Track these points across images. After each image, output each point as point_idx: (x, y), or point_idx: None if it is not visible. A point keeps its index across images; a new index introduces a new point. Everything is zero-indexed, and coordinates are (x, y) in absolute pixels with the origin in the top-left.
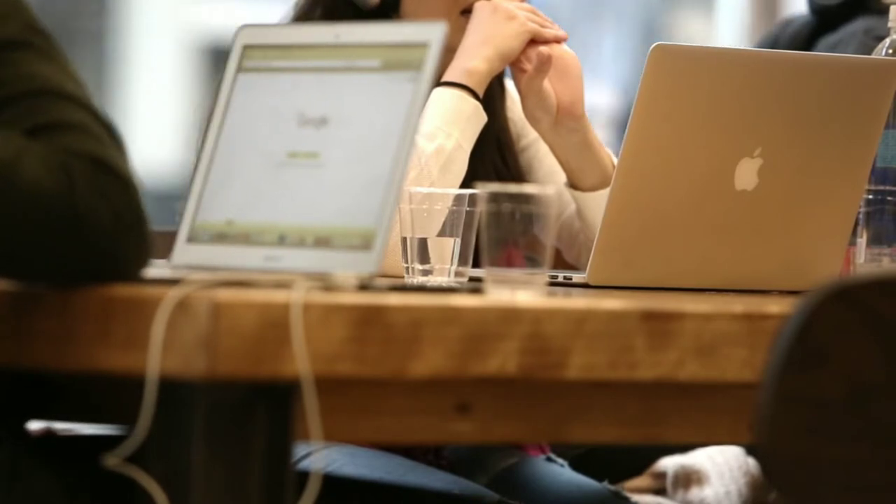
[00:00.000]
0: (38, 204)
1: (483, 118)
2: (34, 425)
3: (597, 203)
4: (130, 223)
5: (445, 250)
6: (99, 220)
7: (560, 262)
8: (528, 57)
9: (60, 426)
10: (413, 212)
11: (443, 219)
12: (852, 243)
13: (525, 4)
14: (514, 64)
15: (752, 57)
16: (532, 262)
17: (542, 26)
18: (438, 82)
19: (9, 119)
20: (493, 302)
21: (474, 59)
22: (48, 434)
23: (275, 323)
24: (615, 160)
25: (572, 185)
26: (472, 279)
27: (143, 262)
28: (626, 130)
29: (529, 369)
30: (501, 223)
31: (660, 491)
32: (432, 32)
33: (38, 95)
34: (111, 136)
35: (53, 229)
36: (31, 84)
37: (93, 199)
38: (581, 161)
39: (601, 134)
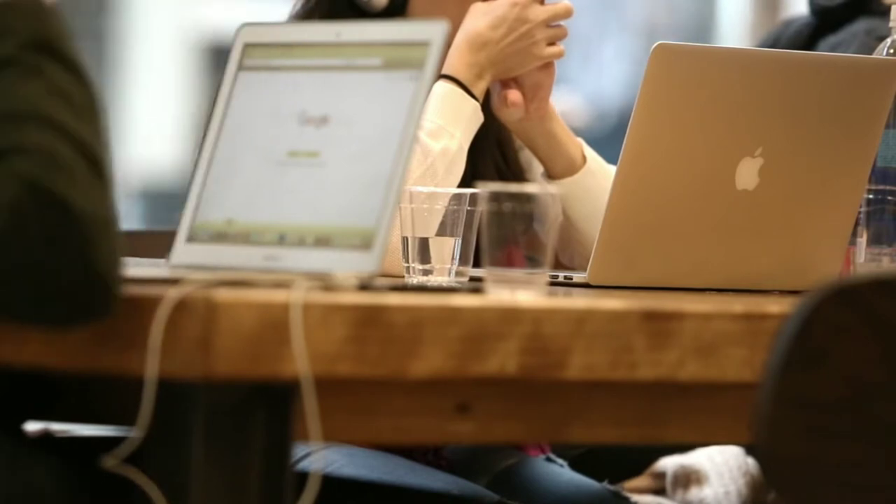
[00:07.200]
0: None
1: (480, 119)
2: (32, 426)
3: (565, 190)
4: (70, 265)
5: (446, 250)
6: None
7: (555, 264)
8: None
9: (58, 427)
10: (414, 211)
11: (440, 218)
12: (852, 243)
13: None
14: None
15: (754, 56)
16: (533, 261)
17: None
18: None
19: None
20: (494, 302)
21: (483, 67)
22: (46, 435)
23: (274, 323)
24: (585, 148)
25: (547, 173)
26: (472, 279)
27: (94, 304)
28: (628, 130)
29: (529, 369)
30: (502, 222)
31: (659, 491)
32: (434, 31)
33: (5, 119)
34: (87, 161)
35: None
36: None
37: (38, 241)
38: (548, 149)
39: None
